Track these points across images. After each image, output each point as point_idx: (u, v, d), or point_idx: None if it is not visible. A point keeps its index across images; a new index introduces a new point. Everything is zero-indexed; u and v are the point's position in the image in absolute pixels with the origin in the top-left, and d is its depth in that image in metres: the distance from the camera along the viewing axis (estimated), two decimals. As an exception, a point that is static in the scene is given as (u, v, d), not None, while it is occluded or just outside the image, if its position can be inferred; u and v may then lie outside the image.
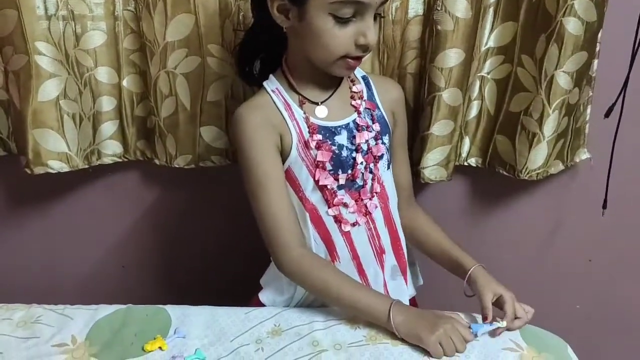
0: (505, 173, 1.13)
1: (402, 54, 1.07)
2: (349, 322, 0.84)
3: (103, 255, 1.29)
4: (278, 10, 0.81)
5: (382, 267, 0.94)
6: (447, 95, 1.03)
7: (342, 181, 0.88)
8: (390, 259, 0.95)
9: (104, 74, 1.07)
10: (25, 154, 1.04)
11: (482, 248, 1.26)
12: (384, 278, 0.94)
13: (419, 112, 1.09)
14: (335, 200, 0.88)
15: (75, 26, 1.01)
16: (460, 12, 0.97)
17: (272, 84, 0.89)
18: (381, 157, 0.91)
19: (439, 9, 0.97)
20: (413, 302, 1.03)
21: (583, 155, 1.14)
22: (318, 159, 0.85)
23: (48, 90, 1.01)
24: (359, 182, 0.89)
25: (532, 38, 1.02)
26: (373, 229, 0.92)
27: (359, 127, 0.88)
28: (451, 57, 1.00)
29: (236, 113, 0.86)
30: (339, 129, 0.87)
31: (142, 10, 1.00)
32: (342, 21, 0.78)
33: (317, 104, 0.88)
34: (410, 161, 1.09)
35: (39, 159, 1.04)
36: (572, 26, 0.96)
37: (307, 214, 0.88)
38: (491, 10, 1.04)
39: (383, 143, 0.91)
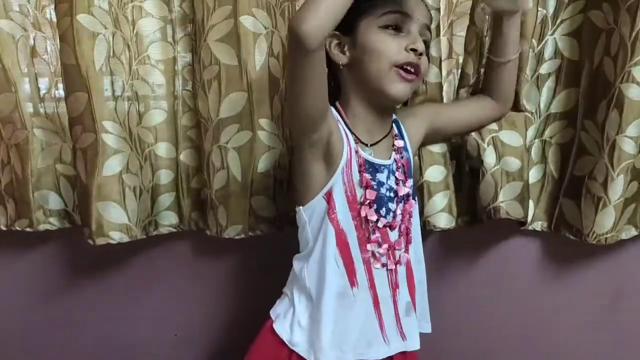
0: (572, 237, 1.15)
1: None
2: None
3: (156, 324, 1.37)
4: (336, 47, 0.95)
5: (395, 302, 0.98)
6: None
7: (380, 224, 0.94)
8: (404, 294, 0.99)
9: (163, 149, 1.19)
10: (89, 226, 1.15)
11: (545, 312, 1.29)
12: (397, 313, 0.98)
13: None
14: (373, 237, 0.94)
15: (138, 106, 1.15)
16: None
17: (334, 112, 0.96)
18: (414, 211, 0.99)
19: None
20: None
21: (657, 220, 1.13)
22: (367, 196, 0.93)
23: (112, 165, 1.13)
24: (394, 232, 0.96)
25: (593, 103, 1.07)
26: (394, 273, 0.98)
27: (397, 180, 0.97)
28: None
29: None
30: (382, 167, 0.96)
31: (199, 90, 1.12)
32: (392, 31, 0.92)
33: (366, 145, 0.96)
34: (481, 204, 1.16)
35: (101, 230, 1.15)
36: (631, 92, 0.99)
37: (334, 233, 0.93)
38: (553, 76, 1.12)
39: (415, 200, 1.00)
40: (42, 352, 1.40)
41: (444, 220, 1.17)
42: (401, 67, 0.91)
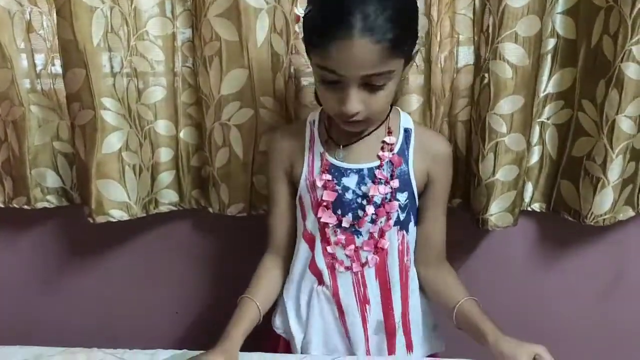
0: (570, 218, 1.17)
1: (452, 102, 1.15)
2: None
3: (158, 301, 1.40)
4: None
5: (364, 318, 1.00)
6: (510, 141, 1.09)
7: (345, 224, 0.96)
8: (376, 313, 1.00)
9: (162, 127, 1.20)
10: (89, 204, 1.18)
11: (543, 294, 1.32)
12: (364, 329, 1.00)
13: (473, 159, 1.14)
14: (334, 239, 0.97)
15: (137, 82, 1.16)
16: (518, 59, 1.03)
17: (313, 115, 1.02)
18: (393, 213, 0.96)
19: (494, 58, 1.04)
20: None
21: (655, 201, 1.15)
22: (323, 197, 0.95)
23: (111, 142, 1.15)
24: (364, 233, 0.97)
25: (591, 83, 1.08)
26: (360, 278, 0.99)
27: (375, 179, 0.95)
28: (511, 103, 1.06)
29: (273, 131, 1.07)
30: (348, 171, 0.96)
31: (199, 67, 1.13)
32: (326, 84, 0.86)
33: (339, 146, 0.97)
34: (473, 209, 1.16)
35: (101, 208, 1.18)
36: (631, 71, 1.01)
37: (304, 235, 1.01)
38: (549, 56, 1.11)
39: (397, 200, 0.96)
40: (40, 329, 1.43)
41: None
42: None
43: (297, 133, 1.01)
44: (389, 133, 0.97)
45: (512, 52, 1.03)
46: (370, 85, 0.84)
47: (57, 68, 1.18)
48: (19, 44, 1.18)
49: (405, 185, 0.96)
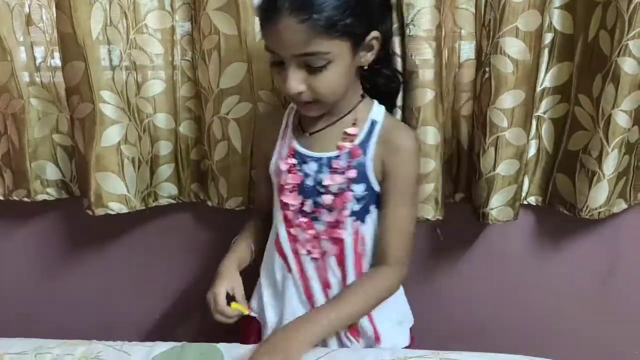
0: (565, 212, 1.18)
1: (454, 96, 1.16)
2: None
3: (157, 294, 1.41)
4: None
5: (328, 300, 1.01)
6: (510, 135, 1.09)
7: (306, 208, 0.99)
8: None
9: (162, 120, 1.21)
10: (88, 197, 1.19)
11: (540, 286, 1.33)
12: None
13: (475, 153, 1.15)
14: (296, 221, 1.00)
15: (137, 76, 1.17)
16: (519, 54, 1.04)
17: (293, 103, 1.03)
18: (348, 204, 0.96)
19: (495, 52, 1.05)
20: None
21: (646, 193, 1.17)
22: (288, 180, 0.99)
23: (110, 136, 1.16)
24: (322, 221, 0.99)
25: (588, 77, 1.09)
26: (322, 263, 1.01)
27: (332, 169, 0.96)
28: (512, 98, 1.07)
29: (263, 117, 1.14)
30: (308, 158, 0.98)
31: (198, 60, 1.14)
32: (274, 65, 0.90)
33: (305, 133, 1.00)
34: (474, 203, 1.16)
35: (100, 201, 1.19)
36: (627, 66, 1.02)
37: (275, 217, 1.05)
38: (546, 51, 1.12)
39: (352, 191, 0.96)
40: (39, 321, 1.44)
41: (424, 211, 1.17)
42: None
43: (277, 118, 1.05)
44: (354, 124, 0.97)
45: (513, 47, 1.04)
46: (308, 65, 0.86)
47: (57, 61, 1.18)
48: (19, 37, 1.18)
49: (363, 177, 0.96)
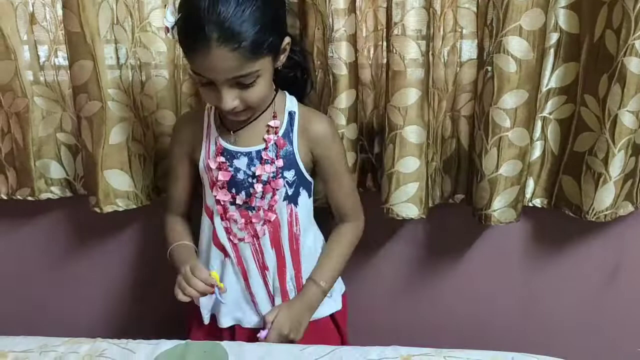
0: (571, 214, 1.17)
1: (455, 96, 1.16)
2: (403, 358, 0.91)
3: (161, 290, 1.40)
4: None
5: (266, 282, 1.10)
6: (513, 136, 1.09)
7: (238, 201, 1.05)
8: (274, 278, 1.10)
9: (164, 116, 1.22)
10: (96, 195, 1.19)
11: (544, 289, 1.33)
12: (268, 292, 1.10)
13: (476, 154, 1.14)
14: (228, 214, 1.06)
15: (141, 73, 1.18)
16: (522, 53, 1.04)
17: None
18: (278, 190, 1.05)
19: (498, 51, 1.04)
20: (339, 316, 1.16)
21: (653, 196, 1.16)
22: (218, 178, 1.04)
23: (118, 133, 1.16)
24: (255, 208, 1.05)
25: (594, 78, 1.08)
26: (258, 247, 1.08)
27: (262, 160, 1.03)
28: (515, 98, 1.06)
29: (179, 117, 1.17)
30: (239, 154, 1.04)
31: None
32: (202, 85, 0.95)
33: (230, 131, 1.05)
34: (475, 205, 1.16)
35: (108, 198, 1.19)
36: (634, 66, 1.01)
37: (206, 215, 1.10)
38: (552, 51, 1.12)
39: (283, 177, 1.04)
40: (44, 319, 1.44)
41: (408, 211, 1.17)
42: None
43: (197, 119, 1.09)
44: (274, 117, 1.04)
45: (517, 46, 1.03)
46: (240, 83, 0.93)
47: (61, 60, 1.19)
48: (22, 36, 1.19)
49: (292, 164, 1.05)
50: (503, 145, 1.10)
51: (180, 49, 1.13)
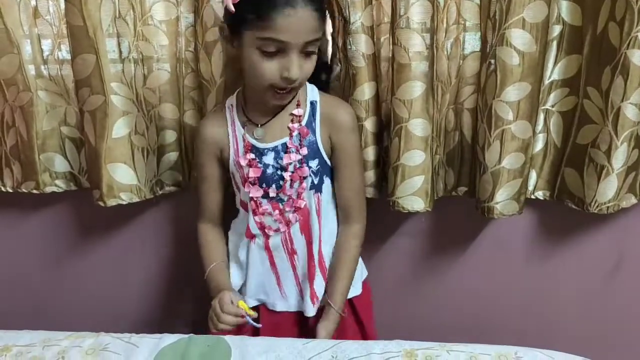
0: (574, 206, 1.17)
1: (458, 89, 1.16)
2: (406, 354, 0.91)
3: (165, 284, 1.43)
4: (224, 38, 1.00)
5: (294, 266, 1.12)
6: (516, 128, 1.09)
7: (271, 194, 1.07)
8: (302, 262, 1.12)
9: (167, 110, 1.23)
10: (100, 188, 1.19)
11: (546, 281, 1.33)
12: (296, 276, 1.13)
13: (479, 147, 1.14)
14: (261, 209, 1.08)
15: (143, 67, 1.18)
16: (525, 46, 1.03)
17: (231, 100, 1.10)
18: (305, 178, 1.06)
19: (501, 44, 1.04)
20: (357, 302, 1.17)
21: (656, 188, 1.16)
22: (250, 175, 1.06)
23: (121, 127, 1.16)
24: (285, 197, 1.07)
25: (597, 70, 1.08)
26: (287, 235, 1.10)
27: (288, 149, 1.05)
28: (518, 90, 1.06)
29: (200, 123, 1.15)
30: (266, 150, 1.06)
31: (201, 52, 1.15)
32: (267, 55, 0.93)
33: (256, 125, 1.06)
34: (479, 197, 1.16)
35: (112, 191, 1.20)
36: (637, 58, 1.01)
37: (241, 208, 1.13)
38: (554, 43, 1.11)
39: (309, 167, 1.06)
40: (47, 313, 1.45)
41: (414, 204, 1.17)
42: (276, 88, 0.97)
43: (220, 119, 1.09)
44: (298, 105, 1.06)
45: (519, 39, 1.03)
46: (305, 52, 0.94)
47: (64, 53, 1.19)
48: (25, 30, 1.19)
49: (315, 153, 1.06)
50: (506, 138, 1.10)
51: (184, 43, 1.17)
